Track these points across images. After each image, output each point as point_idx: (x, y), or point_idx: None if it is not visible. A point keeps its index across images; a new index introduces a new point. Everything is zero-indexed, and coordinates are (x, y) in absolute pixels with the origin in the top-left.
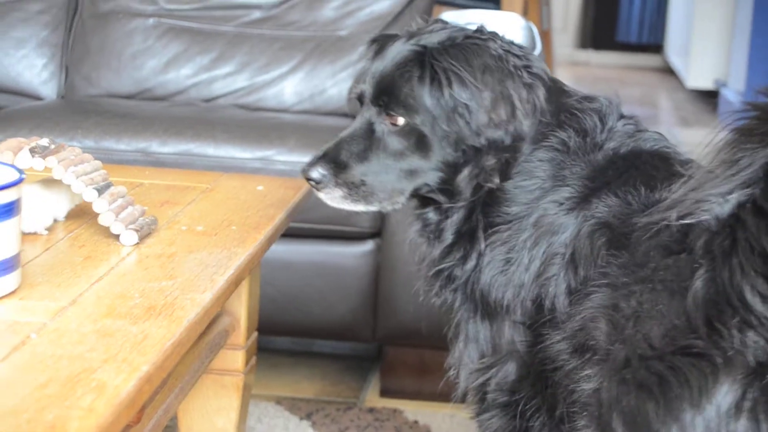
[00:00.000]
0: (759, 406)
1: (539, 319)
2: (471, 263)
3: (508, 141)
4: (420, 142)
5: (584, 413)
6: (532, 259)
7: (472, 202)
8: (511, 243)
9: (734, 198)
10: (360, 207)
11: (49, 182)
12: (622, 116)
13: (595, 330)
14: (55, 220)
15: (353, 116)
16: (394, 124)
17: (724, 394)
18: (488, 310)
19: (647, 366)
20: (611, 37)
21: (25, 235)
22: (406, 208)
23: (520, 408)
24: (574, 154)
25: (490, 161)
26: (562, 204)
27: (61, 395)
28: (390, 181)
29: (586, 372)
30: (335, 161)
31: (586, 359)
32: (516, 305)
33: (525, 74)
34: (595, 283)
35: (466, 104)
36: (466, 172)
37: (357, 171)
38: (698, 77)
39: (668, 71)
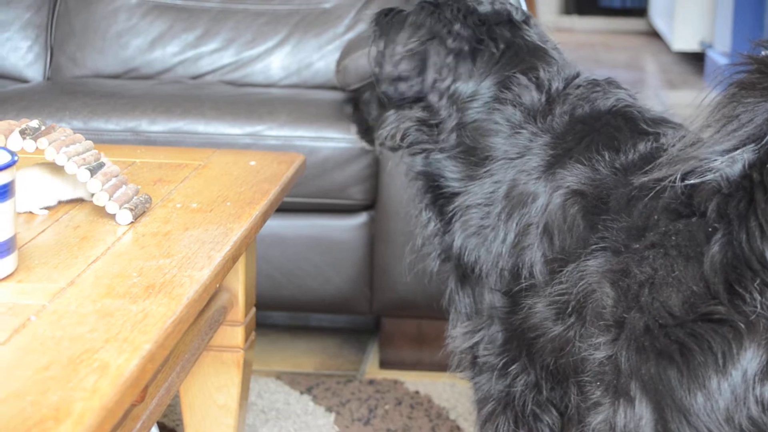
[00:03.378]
0: None
1: (516, 286)
2: (432, 227)
3: (409, 94)
4: None
5: (597, 382)
6: (508, 231)
7: (424, 170)
8: (484, 211)
9: (742, 157)
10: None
11: (54, 166)
12: (574, 78)
13: (600, 295)
14: (60, 202)
15: (342, 89)
16: None
17: (750, 360)
18: (466, 274)
19: (667, 334)
20: (595, 2)
21: (23, 215)
22: (400, 182)
23: (507, 369)
24: (528, 121)
25: (412, 114)
26: (530, 174)
27: (64, 377)
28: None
29: (595, 340)
30: None
31: (586, 324)
32: (493, 274)
33: (462, 41)
34: (590, 248)
35: (381, 53)
36: (391, 118)
37: None
38: (684, 40)
39: (653, 35)
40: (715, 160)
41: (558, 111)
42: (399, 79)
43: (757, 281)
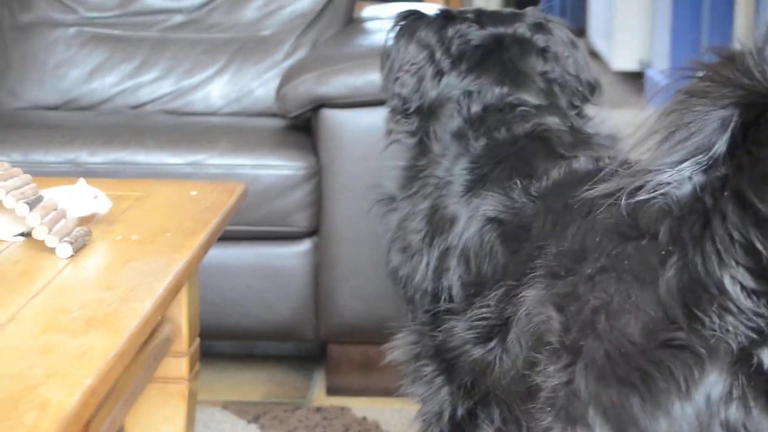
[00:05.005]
0: (748, 393)
1: (436, 308)
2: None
3: (383, 96)
4: None
5: (548, 408)
6: (430, 256)
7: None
8: (408, 236)
9: (691, 175)
10: None
11: None
12: (499, 101)
13: (542, 320)
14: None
15: (282, 116)
16: None
17: (713, 384)
18: (400, 290)
19: (628, 362)
20: None
21: None
22: (344, 207)
23: (434, 380)
24: (452, 144)
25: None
26: (450, 198)
27: (3, 414)
28: None
29: (546, 368)
30: None
31: (521, 349)
32: (419, 293)
33: (437, 54)
34: (525, 276)
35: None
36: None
37: None
38: (623, 59)
39: (592, 55)
40: (665, 172)
41: (475, 135)
42: (398, 94)
43: (715, 305)
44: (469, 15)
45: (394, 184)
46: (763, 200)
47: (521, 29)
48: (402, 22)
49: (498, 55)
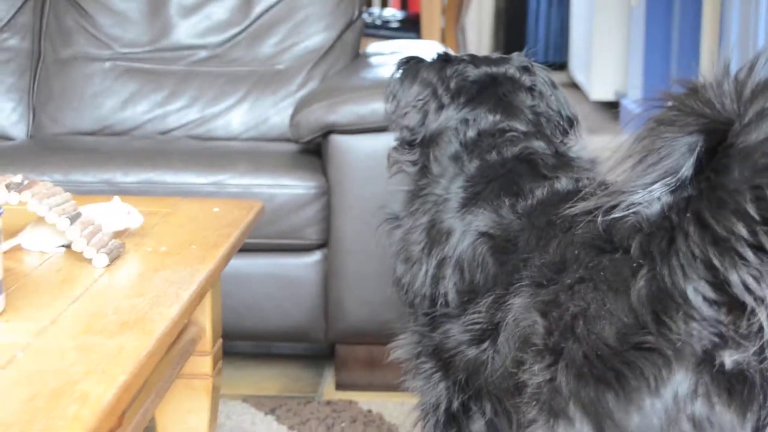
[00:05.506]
0: (712, 391)
1: (434, 311)
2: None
3: (387, 124)
4: None
5: (533, 402)
6: (429, 265)
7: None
8: (410, 248)
9: (660, 195)
10: None
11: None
12: (492, 128)
13: (528, 324)
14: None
15: (296, 141)
16: None
17: (680, 382)
18: (402, 296)
19: (604, 362)
20: None
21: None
22: (350, 223)
23: (432, 376)
24: (450, 166)
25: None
26: (447, 213)
27: (48, 407)
28: None
29: (529, 364)
30: None
31: (510, 349)
32: (419, 298)
33: (438, 90)
34: (512, 286)
35: (395, 101)
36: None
37: None
38: (600, 90)
39: (573, 86)
40: (637, 192)
41: (470, 157)
42: (405, 127)
43: (681, 313)
44: (465, 57)
45: (398, 205)
46: (719, 222)
47: (511, 70)
48: (405, 66)
49: (492, 89)
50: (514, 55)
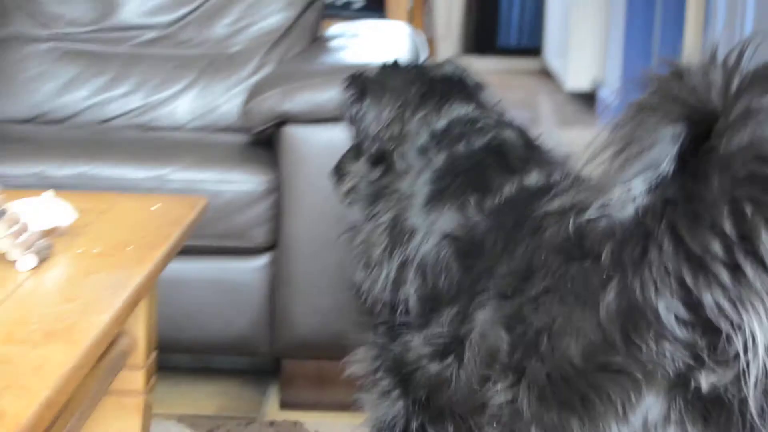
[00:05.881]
0: (686, 417)
1: (393, 320)
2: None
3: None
4: None
5: (494, 423)
6: (390, 268)
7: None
8: (371, 251)
9: (637, 190)
10: None
11: None
12: (461, 117)
13: (493, 339)
14: None
15: (246, 131)
16: None
17: (650, 407)
18: (360, 304)
19: (569, 385)
20: (492, 42)
21: None
22: (301, 223)
23: (390, 394)
24: (416, 160)
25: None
26: (411, 210)
27: None
28: None
29: (494, 386)
30: None
31: (477, 365)
32: (378, 306)
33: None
34: (476, 297)
35: (366, 114)
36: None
37: None
38: (576, 79)
39: (547, 74)
40: (614, 189)
41: (437, 149)
42: (380, 138)
43: (652, 332)
44: (408, 65)
45: (357, 210)
46: (694, 238)
47: (458, 71)
48: (355, 83)
49: (461, 85)
50: (447, 60)
